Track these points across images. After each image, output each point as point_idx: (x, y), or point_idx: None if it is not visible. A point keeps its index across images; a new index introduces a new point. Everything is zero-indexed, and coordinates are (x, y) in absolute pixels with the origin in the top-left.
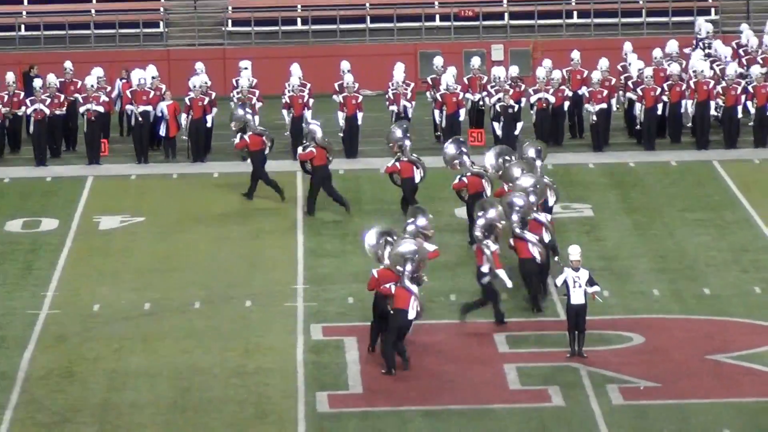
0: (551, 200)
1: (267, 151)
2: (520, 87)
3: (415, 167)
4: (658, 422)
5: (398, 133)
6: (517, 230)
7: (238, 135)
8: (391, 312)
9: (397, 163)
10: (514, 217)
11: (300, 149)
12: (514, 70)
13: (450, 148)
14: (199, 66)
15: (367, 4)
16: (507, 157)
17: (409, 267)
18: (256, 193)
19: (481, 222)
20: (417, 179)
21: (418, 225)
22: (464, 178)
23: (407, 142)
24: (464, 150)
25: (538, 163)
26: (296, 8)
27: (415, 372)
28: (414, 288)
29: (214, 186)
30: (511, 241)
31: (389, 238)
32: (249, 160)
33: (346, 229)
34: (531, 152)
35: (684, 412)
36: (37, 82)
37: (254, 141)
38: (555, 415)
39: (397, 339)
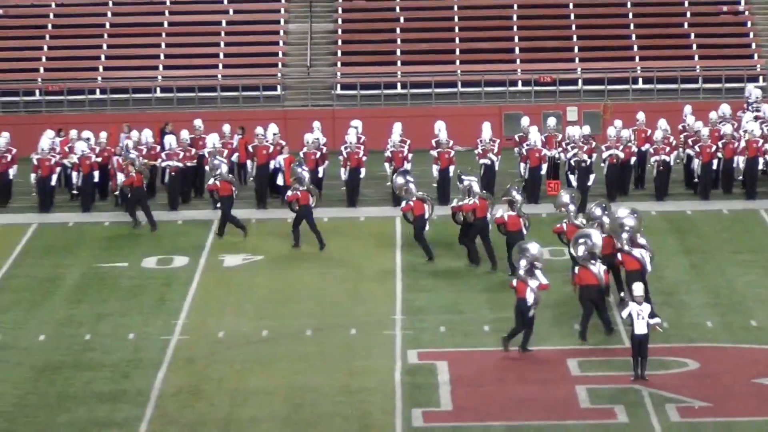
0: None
1: (234, 197)
2: (591, 144)
3: (425, 204)
4: None
5: (401, 179)
6: (626, 247)
7: (212, 180)
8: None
9: (411, 203)
10: (624, 236)
11: (289, 192)
12: (586, 129)
13: (398, 179)
14: (316, 124)
15: (458, 71)
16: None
17: (523, 263)
18: (359, 236)
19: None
20: (427, 215)
21: (529, 255)
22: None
23: (411, 185)
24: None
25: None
26: (396, 74)
27: (499, 392)
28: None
29: (324, 230)
30: (619, 255)
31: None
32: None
33: (437, 269)
34: (598, 211)
35: (732, 429)
36: (171, 138)
37: (224, 187)
38: (620, 430)
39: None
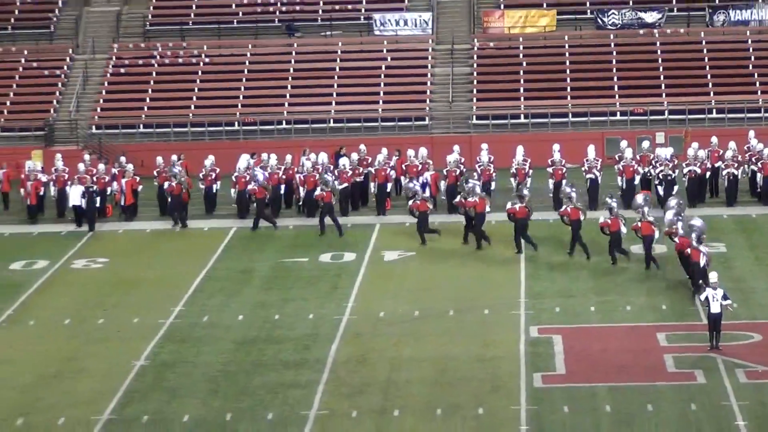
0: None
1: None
2: (675, 162)
3: (486, 202)
4: None
5: (470, 184)
6: (695, 243)
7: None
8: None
9: (476, 198)
10: (693, 236)
11: (410, 202)
12: (671, 150)
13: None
14: (456, 147)
15: (569, 104)
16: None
17: (694, 235)
18: (490, 234)
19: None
20: (487, 210)
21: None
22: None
23: (471, 184)
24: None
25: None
26: (520, 107)
27: (602, 359)
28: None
29: (457, 231)
30: (688, 250)
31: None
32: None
33: (552, 261)
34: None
35: None
36: (344, 160)
37: (177, 188)
38: (699, 389)
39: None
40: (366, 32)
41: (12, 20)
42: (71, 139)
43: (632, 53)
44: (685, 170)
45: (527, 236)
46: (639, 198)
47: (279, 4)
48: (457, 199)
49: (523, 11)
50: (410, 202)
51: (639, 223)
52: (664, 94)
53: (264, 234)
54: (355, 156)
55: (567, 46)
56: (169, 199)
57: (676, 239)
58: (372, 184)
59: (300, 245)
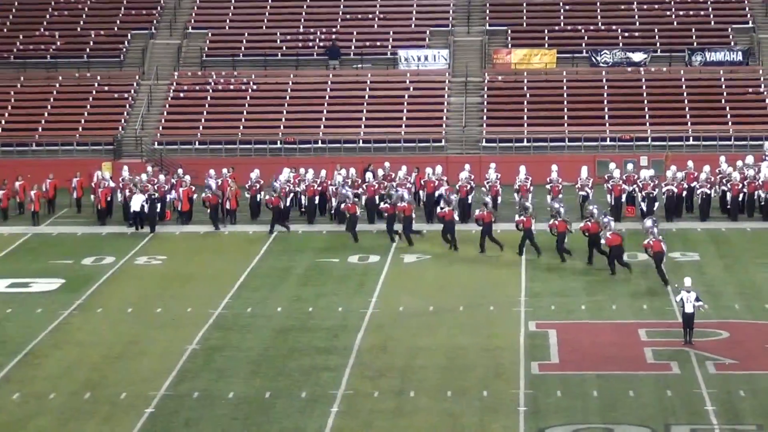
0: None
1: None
2: (656, 182)
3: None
4: (736, 384)
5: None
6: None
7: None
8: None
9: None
10: (656, 231)
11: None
12: (652, 172)
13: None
14: (467, 166)
15: (566, 131)
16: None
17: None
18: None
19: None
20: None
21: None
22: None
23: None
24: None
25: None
26: (524, 132)
27: (591, 351)
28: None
29: (467, 239)
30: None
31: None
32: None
33: (551, 266)
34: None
35: (752, 378)
36: (370, 175)
37: (213, 198)
38: (675, 378)
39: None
40: (392, 66)
41: (88, 50)
42: (136, 153)
43: (621, 87)
44: (665, 189)
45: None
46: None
47: (317, 41)
48: (383, 205)
49: (528, 50)
50: (438, 210)
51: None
52: (647, 123)
53: (300, 237)
54: (380, 172)
55: (565, 81)
56: (208, 208)
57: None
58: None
59: (332, 248)
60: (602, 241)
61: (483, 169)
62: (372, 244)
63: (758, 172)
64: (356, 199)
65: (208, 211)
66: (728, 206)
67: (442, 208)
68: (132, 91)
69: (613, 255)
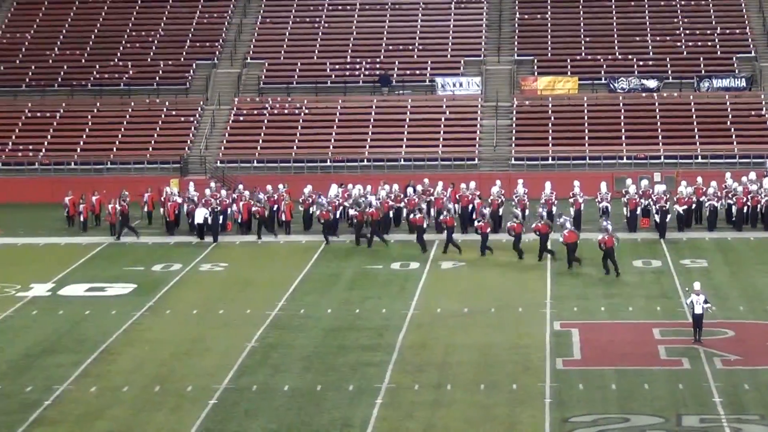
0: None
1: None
2: (668, 196)
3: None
4: (741, 378)
5: (608, 225)
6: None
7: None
8: None
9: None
10: (610, 228)
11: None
12: (665, 186)
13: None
14: (498, 182)
15: (587, 150)
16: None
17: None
18: (526, 249)
19: None
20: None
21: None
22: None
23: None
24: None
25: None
26: (548, 151)
27: (609, 348)
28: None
29: (507, 246)
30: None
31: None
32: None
33: (574, 272)
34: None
35: (755, 373)
36: (410, 191)
37: (261, 211)
38: (685, 373)
39: None
40: (430, 92)
41: (157, 78)
42: (200, 171)
43: (636, 111)
44: (676, 205)
45: (547, 248)
46: (604, 222)
47: (363, 69)
48: (352, 212)
49: (552, 77)
50: (440, 217)
51: (605, 238)
52: (660, 143)
53: (348, 247)
54: (419, 187)
55: (586, 105)
56: (257, 219)
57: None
58: (432, 210)
59: (376, 256)
60: (599, 239)
61: (512, 185)
62: (412, 252)
63: (761, 187)
64: (329, 207)
65: (257, 221)
66: (733, 218)
67: (478, 221)
68: (197, 114)
69: (605, 255)
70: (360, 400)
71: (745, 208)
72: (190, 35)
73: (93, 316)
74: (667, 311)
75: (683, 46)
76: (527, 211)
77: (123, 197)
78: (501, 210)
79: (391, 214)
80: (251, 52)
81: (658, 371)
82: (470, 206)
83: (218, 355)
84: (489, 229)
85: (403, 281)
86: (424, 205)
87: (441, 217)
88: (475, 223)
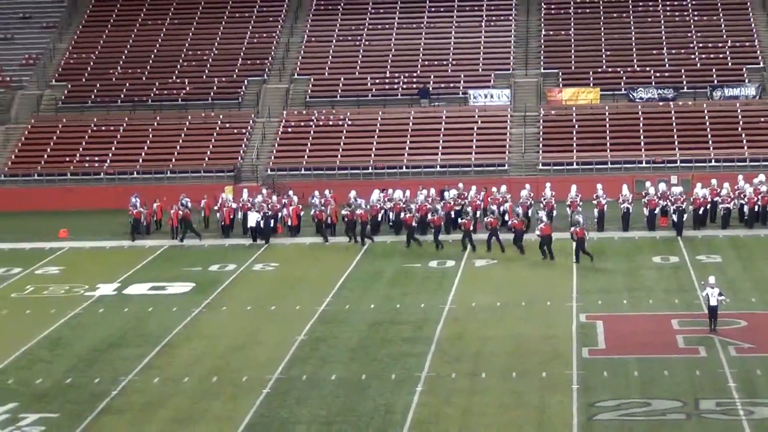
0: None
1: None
2: (684, 197)
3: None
4: (753, 365)
5: (579, 218)
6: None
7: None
8: None
9: (543, 225)
10: (581, 221)
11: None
12: (681, 188)
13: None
14: (527, 186)
15: (609, 155)
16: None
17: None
18: (554, 248)
19: None
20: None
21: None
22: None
23: (581, 218)
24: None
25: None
26: (573, 156)
27: (631, 337)
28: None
29: (535, 246)
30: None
31: None
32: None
33: (597, 267)
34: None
35: (767, 360)
36: (446, 195)
37: (320, 215)
38: (702, 360)
39: None
40: (463, 103)
41: (212, 94)
42: (253, 178)
43: (654, 119)
44: (692, 205)
45: (585, 250)
46: (576, 216)
47: (401, 83)
48: (343, 212)
49: (576, 89)
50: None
51: (576, 230)
52: (677, 148)
53: (389, 246)
54: (454, 191)
55: (607, 114)
56: (316, 223)
57: (576, 235)
58: (477, 212)
59: (415, 255)
60: (570, 230)
61: (540, 188)
62: (448, 251)
63: None
64: (323, 208)
65: (315, 224)
66: (745, 217)
67: (512, 221)
68: (249, 127)
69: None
70: (401, 388)
71: (756, 207)
72: (242, 54)
73: (155, 313)
74: (684, 303)
75: (697, 59)
76: (554, 213)
77: (185, 203)
78: (530, 212)
79: (379, 217)
80: (298, 69)
81: (677, 359)
82: (501, 207)
83: (270, 348)
84: (523, 227)
85: (440, 278)
86: (413, 206)
87: (429, 217)
88: (509, 222)
